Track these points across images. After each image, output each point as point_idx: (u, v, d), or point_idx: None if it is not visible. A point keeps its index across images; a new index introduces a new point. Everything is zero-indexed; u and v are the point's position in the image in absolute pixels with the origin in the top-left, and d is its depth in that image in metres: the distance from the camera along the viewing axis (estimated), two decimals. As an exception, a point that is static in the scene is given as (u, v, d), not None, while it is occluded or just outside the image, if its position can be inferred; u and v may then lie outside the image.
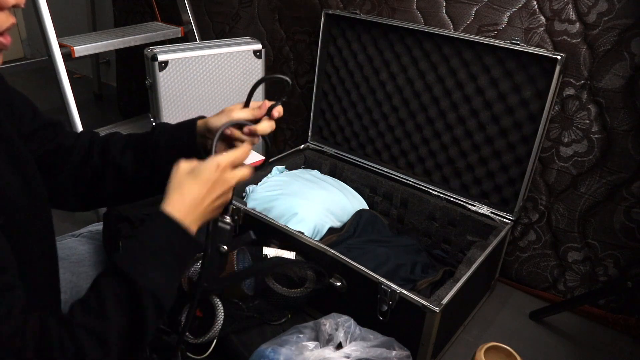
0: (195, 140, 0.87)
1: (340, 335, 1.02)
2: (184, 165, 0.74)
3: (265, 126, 0.83)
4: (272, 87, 1.92)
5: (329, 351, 0.98)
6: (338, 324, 1.03)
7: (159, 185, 0.88)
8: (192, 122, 0.88)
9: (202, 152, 0.84)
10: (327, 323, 1.03)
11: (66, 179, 0.89)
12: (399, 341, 1.05)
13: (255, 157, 1.57)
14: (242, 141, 0.83)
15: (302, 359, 0.95)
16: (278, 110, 0.84)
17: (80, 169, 0.90)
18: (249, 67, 1.72)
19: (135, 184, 0.90)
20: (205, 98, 1.67)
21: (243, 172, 0.77)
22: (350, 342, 1.01)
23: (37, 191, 0.78)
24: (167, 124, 0.92)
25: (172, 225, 0.70)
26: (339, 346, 1.01)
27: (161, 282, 0.67)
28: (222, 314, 1.08)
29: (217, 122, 0.85)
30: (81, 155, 0.91)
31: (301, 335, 1.02)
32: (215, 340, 1.10)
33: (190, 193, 0.71)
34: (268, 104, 0.84)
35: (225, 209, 0.80)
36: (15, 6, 0.63)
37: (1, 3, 0.61)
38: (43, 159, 0.84)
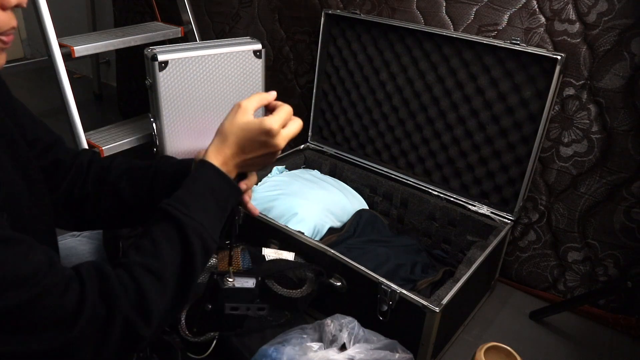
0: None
1: (344, 337, 1.02)
2: (239, 116, 0.76)
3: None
4: (272, 87, 1.92)
5: (333, 352, 0.98)
6: (342, 325, 1.03)
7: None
8: (193, 159, 0.90)
9: None
10: (331, 324, 1.03)
11: (61, 196, 0.88)
12: (399, 341, 1.05)
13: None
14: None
15: (306, 359, 0.95)
16: None
17: (76, 188, 0.89)
18: (249, 67, 1.72)
19: (131, 210, 0.91)
20: (205, 98, 1.67)
21: (289, 131, 0.77)
22: (354, 343, 1.01)
23: (40, 194, 0.78)
24: (171, 157, 0.94)
25: (214, 172, 0.74)
26: (343, 347, 1.01)
27: (205, 223, 0.71)
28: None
29: None
30: (78, 175, 0.90)
31: (304, 336, 1.02)
32: (215, 340, 1.10)
33: (232, 145, 0.75)
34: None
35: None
36: (17, 6, 0.63)
37: (3, 3, 0.61)
38: (41, 171, 0.84)
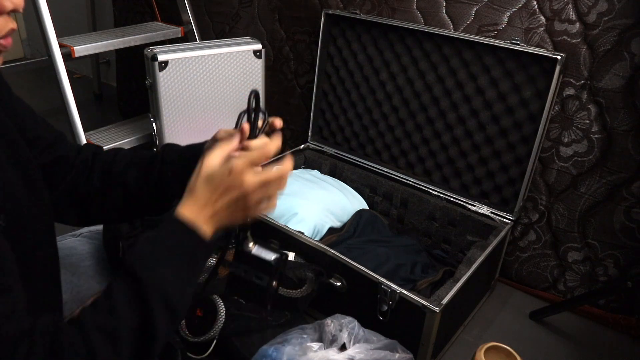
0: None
1: (344, 337, 1.02)
2: (203, 170, 0.70)
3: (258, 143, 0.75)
4: (272, 87, 1.92)
5: (333, 352, 0.98)
6: (342, 325, 1.03)
7: (163, 203, 0.89)
8: (201, 144, 0.87)
9: None
10: (331, 324, 1.03)
11: (64, 193, 0.88)
12: (399, 341, 1.05)
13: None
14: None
15: (306, 359, 0.95)
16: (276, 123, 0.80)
17: (81, 184, 0.89)
18: (249, 67, 1.72)
19: (138, 201, 0.89)
20: (205, 98, 1.67)
21: (262, 177, 0.69)
22: (354, 343, 1.01)
23: (40, 194, 0.78)
24: (175, 144, 0.90)
25: (182, 225, 0.68)
26: (343, 347, 1.01)
27: (170, 280, 0.66)
28: (224, 313, 1.08)
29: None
30: (82, 170, 0.89)
31: (304, 336, 1.02)
32: (215, 340, 1.10)
33: (202, 196, 0.69)
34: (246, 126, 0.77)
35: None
36: (13, 11, 0.63)
37: (0, 8, 0.61)
38: (42, 169, 0.84)
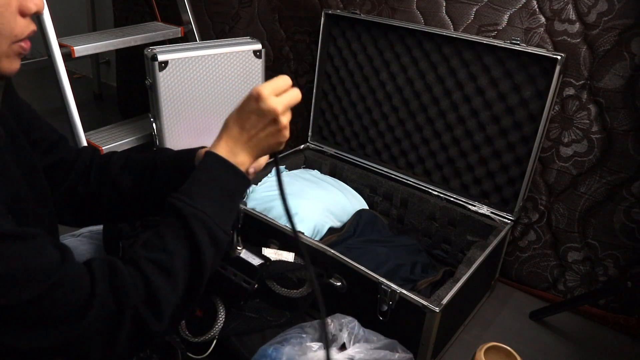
0: (194, 160, 0.88)
1: (344, 336, 1.01)
2: (236, 108, 0.76)
3: None
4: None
5: (332, 352, 0.98)
6: (342, 325, 1.03)
7: (158, 205, 0.90)
8: (193, 149, 0.90)
9: None
10: (331, 323, 1.03)
11: (64, 194, 0.89)
12: (399, 341, 1.05)
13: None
14: None
15: (306, 359, 0.95)
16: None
17: (79, 186, 0.91)
18: (249, 67, 1.72)
19: (133, 203, 0.92)
20: (205, 98, 1.67)
21: (284, 98, 0.75)
22: (354, 343, 1.01)
23: (43, 193, 0.79)
24: (169, 149, 0.94)
25: (217, 160, 0.73)
26: (343, 347, 1.01)
27: (211, 212, 0.70)
28: (224, 313, 1.08)
29: None
30: (81, 172, 0.91)
31: (304, 335, 1.02)
32: (215, 340, 1.10)
33: (233, 129, 0.74)
34: None
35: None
36: (36, 13, 0.65)
37: (23, 10, 0.63)
38: (45, 171, 0.85)
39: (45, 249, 0.60)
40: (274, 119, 0.74)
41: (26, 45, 0.66)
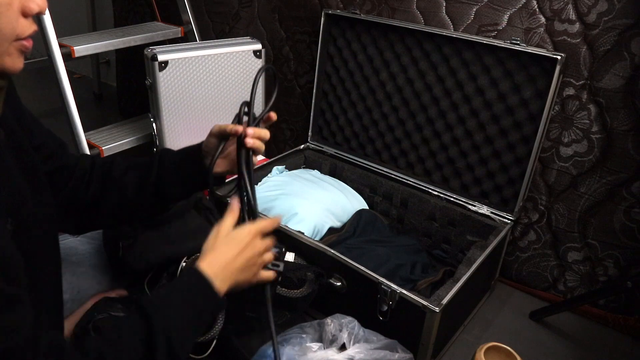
0: (202, 158, 0.89)
1: (344, 337, 1.01)
2: (222, 229, 0.79)
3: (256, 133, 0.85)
4: (272, 87, 1.91)
5: (332, 352, 0.98)
6: (342, 325, 1.03)
7: (160, 206, 0.92)
8: (197, 145, 0.91)
9: (209, 170, 0.86)
10: (331, 323, 1.03)
11: (63, 201, 0.89)
12: (399, 341, 1.05)
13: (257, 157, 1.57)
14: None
15: (306, 359, 0.95)
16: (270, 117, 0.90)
17: (79, 192, 0.91)
18: (249, 67, 1.72)
19: (136, 204, 0.92)
20: (205, 98, 1.67)
21: (268, 242, 0.82)
22: (353, 343, 1.01)
23: (46, 198, 0.79)
24: (171, 149, 0.94)
25: (200, 279, 0.73)
26: (342, 347, 1.01)
27: (178, 327, 0.70)
28: (223, 314, 1.08)
29: (211, 142, 0.88)
30: (81, 179, 0.91)
31: (304, 336, 1.02)
32: (215, 340, 1.10)
33: (224, 254, 0.77)
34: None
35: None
36: (38, 14, 0.65)
37: (25, 10, 0.63)
38: (45, 177, 0.85)
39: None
40: (255, 255, 0.80)
41: (28, 43, 0.66)
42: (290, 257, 1.25)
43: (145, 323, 0.67)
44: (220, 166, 0.89)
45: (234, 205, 0.82)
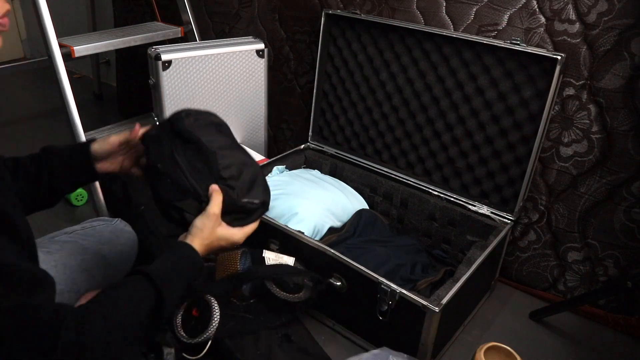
0: (92, 162, 1.01)
1: None
2: (215, 223, 0.94)
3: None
4: (272, 86, 1.92)
5: None
6: None
7: (54, 199, 1.02)
8: (85, 144, 1.02)
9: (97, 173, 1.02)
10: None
11: None
12: (399, 341, 1.04)
13: (257, 157, 1.57)
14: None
15: None
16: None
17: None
18: (251, 66, 1.72)
19: (32, 203, 0.99)
20: (208, 97, 1.68)
21: (243, 232, 0.99)
22: None
23: (20, 209, 0.82)
24: (54, 146, 1.02)
25: (189, 248, 0.90)
26: None
27: (174, 297, 0.85)
28: (218, 314, 1.08)
29: (105, 144, 1.02)
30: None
31: None
32: (210, 341, 1.09)
33: (207, 238, 0.93)
34: (139, 129, 1.01)
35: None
36: None
37: None
38: None
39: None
40: (229, 245, 0.98)
41: (4, 21, 0.71)
42: (290, 261, 1.25)
43: (157, 296, 0.80)
44: (109, 168, 1.04)
45: (215, 187, 0.95)
